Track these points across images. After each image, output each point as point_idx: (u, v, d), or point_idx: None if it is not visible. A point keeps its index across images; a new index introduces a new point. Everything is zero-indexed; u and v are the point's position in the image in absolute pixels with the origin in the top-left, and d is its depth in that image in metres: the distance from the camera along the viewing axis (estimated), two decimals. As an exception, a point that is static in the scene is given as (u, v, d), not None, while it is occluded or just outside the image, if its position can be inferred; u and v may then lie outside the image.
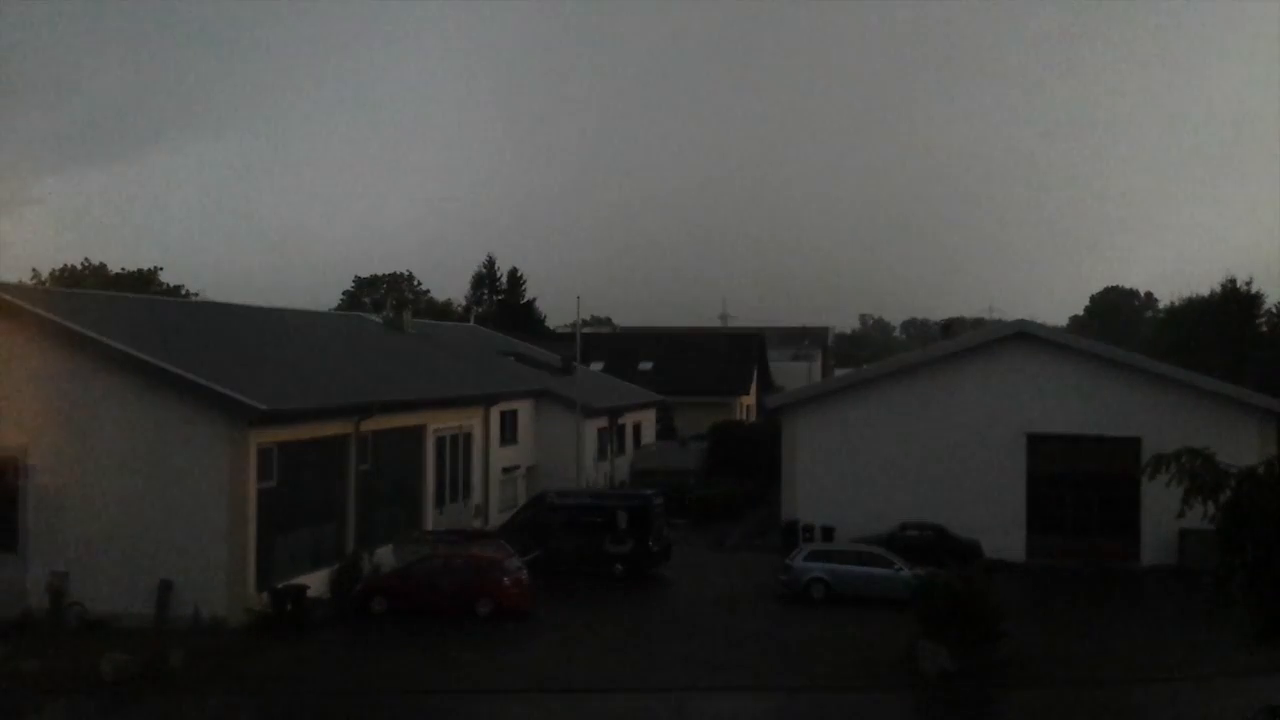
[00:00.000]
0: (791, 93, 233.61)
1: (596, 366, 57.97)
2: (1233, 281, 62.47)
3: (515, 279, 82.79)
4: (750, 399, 64.38)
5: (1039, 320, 39.48)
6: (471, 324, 62.28)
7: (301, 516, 26.79)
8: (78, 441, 24.91)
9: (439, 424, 33.55)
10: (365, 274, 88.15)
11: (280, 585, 24.56)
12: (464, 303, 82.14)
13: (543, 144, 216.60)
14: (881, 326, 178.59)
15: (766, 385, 67.49)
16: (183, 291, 65.66)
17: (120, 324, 27.26)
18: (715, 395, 59.96)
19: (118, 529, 24.48)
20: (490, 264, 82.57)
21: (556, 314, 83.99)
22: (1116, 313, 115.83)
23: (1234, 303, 61.13)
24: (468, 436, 35.85)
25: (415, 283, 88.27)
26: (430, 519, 32.81)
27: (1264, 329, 60.51)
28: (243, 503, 24.12)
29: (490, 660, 22.38)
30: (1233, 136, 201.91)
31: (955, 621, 21.63)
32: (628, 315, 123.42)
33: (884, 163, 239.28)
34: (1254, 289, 61.82)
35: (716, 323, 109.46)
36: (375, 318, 47.75)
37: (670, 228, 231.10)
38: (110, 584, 24.22)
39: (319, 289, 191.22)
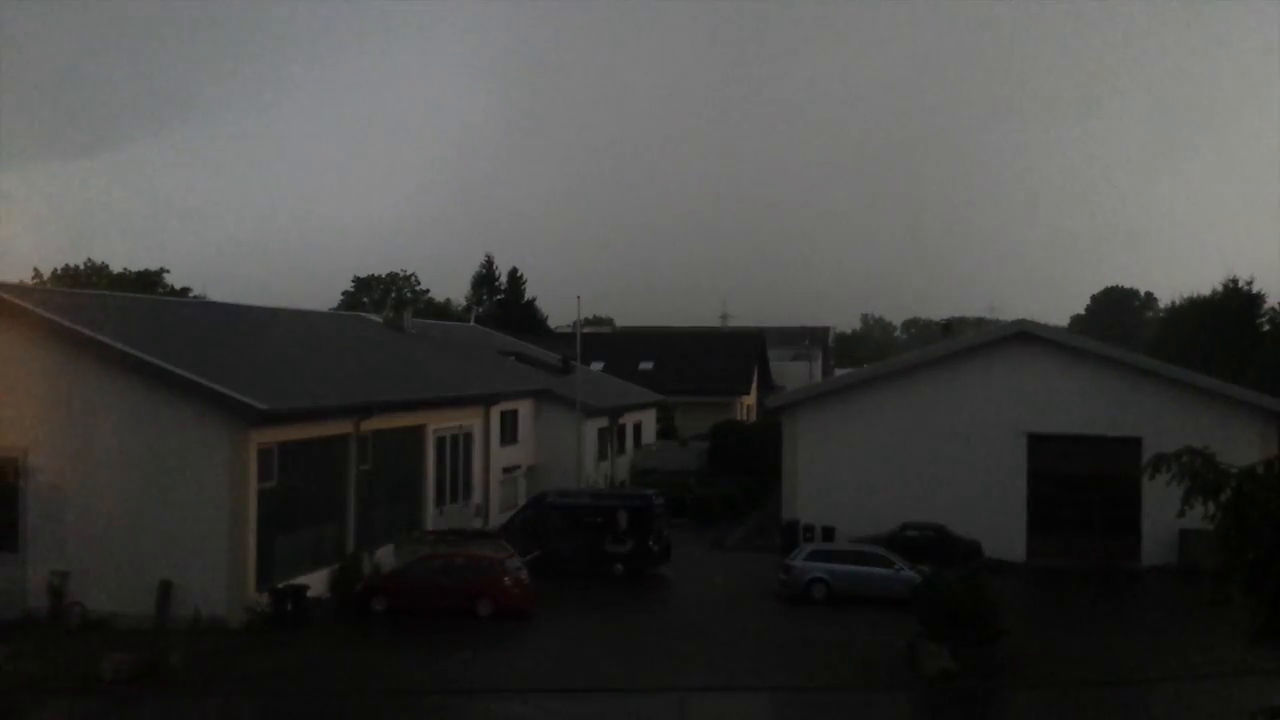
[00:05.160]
0: (791, 92, 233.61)
1: (597, 366, 57.95)
2: (1233, 281, 62.58)
3: (515, 279, 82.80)
4: (750, 399, 64.37)
5: (1039, 320, 39.39)
6: (472, 324, 62.26)
7: (301, 516, 26.79)
8: (78, 442, 24.90)
9: (439, 424, 33.55)
10: (365, 274, 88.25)
11: (280, 585, 24.58)
12: (464, 303, 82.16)
13: (543, 144, 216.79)
14: (881, 326, 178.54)
15: (766, 385, 67.46)
16: (191, 294, 65.58)
17: (120, 324, 27.26)
18: (715, 395, 59.99)
19: (118, 529, 24.48)
20: (489, 264, 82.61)
21: (557, 314, 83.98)
22: (1117, 313, 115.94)
23: (1234, 303, 61.16)
24: (468, 436, 35.85)
25: (415, 283, 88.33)
26: (430, 519, 32.79)
27: (1264, 329, 60.50)
28: (243, 503, 24.11)
29: (490, 660, 22.38)
30: (1233, 136, 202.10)
31: (955, 621, 21.65)
32: (628, 315, 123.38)
33: (884, 162, 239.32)
34: (1254, 289, 61.96)
35: (716, 323, 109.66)
36: (375, 318, 47.72)
37: (670, 228, 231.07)
38: (110, 584, 24.23)
39: (319, 289, 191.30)
